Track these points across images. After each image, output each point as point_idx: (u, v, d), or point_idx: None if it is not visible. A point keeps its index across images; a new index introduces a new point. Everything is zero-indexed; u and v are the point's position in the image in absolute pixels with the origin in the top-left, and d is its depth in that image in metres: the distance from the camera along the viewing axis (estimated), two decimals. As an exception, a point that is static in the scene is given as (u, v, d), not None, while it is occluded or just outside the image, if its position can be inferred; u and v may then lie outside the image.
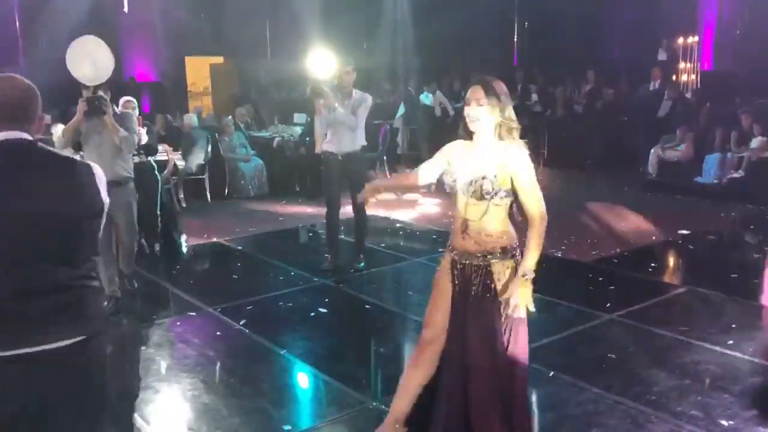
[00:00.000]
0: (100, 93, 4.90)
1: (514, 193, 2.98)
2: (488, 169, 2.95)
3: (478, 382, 3.01)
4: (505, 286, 2.98)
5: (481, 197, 2.95)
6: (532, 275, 2.93)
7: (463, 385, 3.04)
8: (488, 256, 2.99)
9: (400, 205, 8.73)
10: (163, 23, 15.06)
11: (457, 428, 3.06)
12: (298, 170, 10.11)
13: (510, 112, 2.99)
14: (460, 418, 3.06)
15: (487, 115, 2.95)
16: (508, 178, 2.94)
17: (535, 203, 2.96)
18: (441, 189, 3.27)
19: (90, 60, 4.86)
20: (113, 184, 4.92)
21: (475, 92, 2.97)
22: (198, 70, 16.12)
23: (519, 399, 3.10)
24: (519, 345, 3.05)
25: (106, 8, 13.70)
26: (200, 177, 9.66)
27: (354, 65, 5.99)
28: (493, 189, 2.93)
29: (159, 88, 15.18)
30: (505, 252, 3.00)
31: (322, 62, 6.04)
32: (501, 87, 3.00)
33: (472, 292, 3.00)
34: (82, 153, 5.13)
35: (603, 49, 14.03)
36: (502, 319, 2.98)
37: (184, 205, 9.21)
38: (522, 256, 3.00)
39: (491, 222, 2.98)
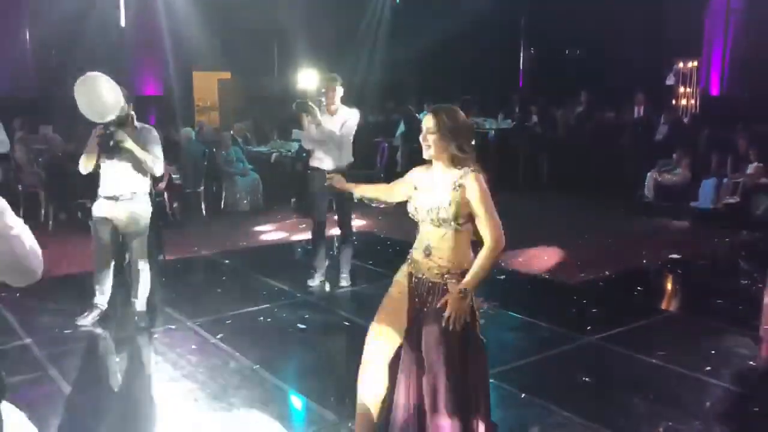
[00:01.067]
0: (111, 128, 4.82)
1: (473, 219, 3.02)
2: (443, 197, 3.01)
3: (433, 398, 3.00)
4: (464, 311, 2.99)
5: (440, 224, 3.01)
6: (468, 294, 2.94)
7: (417, 400, 3.05)
8: (446, 276, 3.01)
9: (390, 222, 8.72)
10: (171, 38, 15.20)
11: None
12: (294, 185, 10.13)
13: (463, 142, 3.01)
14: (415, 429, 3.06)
15: (436, 144, 3.02)
16: (463, 206, 2.98)
17: (487, 231, 2.97)
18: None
19: (97, 100, 4.71)
20: (128, 199, 4.98)
21: (427, 121, 3.05)
22: (206, 85, 16.25)
23: (481, 412, 3.09)
24: (479, 362, 3.05)
25: (113, 23, 13.88)
26: (196, 190, 9.70)
27: (341, 81, 6.00)
28: (449, 216, 2.98)
29: (165, 101, 15.30)
30: (464, 275, 3.01)
31: (310, 78, 6.08)
32: (454, 117, 3.04)
33: (426, 308, 3.01)
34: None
35: (608, 72, 14.04)
36: (458, 336, 2.97)
37: (178, 217, 9.25)
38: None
39: (452, 248, 3.02)
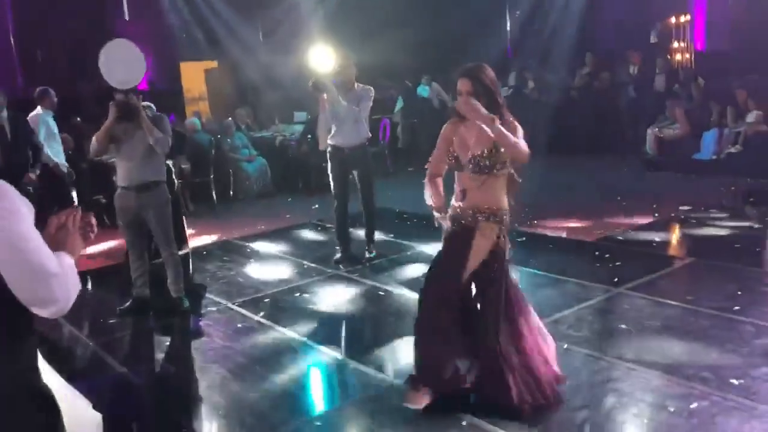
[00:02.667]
0: (133, 96, 4.97)
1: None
2: (484, 145, 3.32)
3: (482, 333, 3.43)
4: (488, 244, 3.40)
5: (480, 171, 3.35)
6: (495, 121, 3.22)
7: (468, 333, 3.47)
8: (477, 215, 3.39)
9: (404, 196, 8.85)
10: (157, 30, 15.15)
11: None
12: (301, 168, 10.24)
13: (496, 95, 3.33)
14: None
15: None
16: (501, 153, 3.30)
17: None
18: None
19: (123, 63, 4.94)
20: (143, 188, 5.08)
21: (464, 84, 3.31)
22: (193, 76, 16.21)
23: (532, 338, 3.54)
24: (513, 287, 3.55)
25: (104, 17, 13.81)
26: (206, 179, 9.78)
27: (355, 60, 6.11)
28: (489, 164, 3.32)
29: (156, 94, 15.26)
30: (494, 214, 3.40)
31: (322, 58, 6.16)
32: (486, 75, 3.33)
33: (469, 250, 3.39)
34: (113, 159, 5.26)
35: (595, 34, 14.12)
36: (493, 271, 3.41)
37: (191, 208, 9.33)
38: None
39: (487, 192, 3.39)
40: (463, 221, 3.43)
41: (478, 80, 3.29)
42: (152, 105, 5.51)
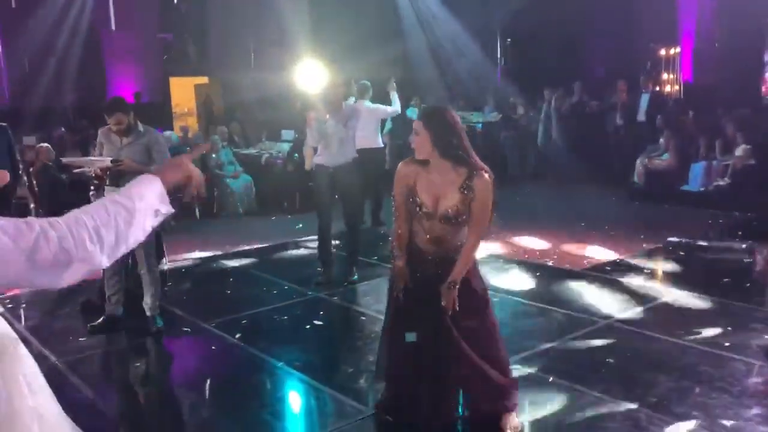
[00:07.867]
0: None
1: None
2: (450, 199, 3.21)
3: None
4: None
5: (444, 222, 3.25)
6: (456, 285, 3.27)
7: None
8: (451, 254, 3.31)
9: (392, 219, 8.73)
10: (147, 44, 15.04)
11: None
12: (286, 187, 10.09)
13: (450, 140, 3.16)
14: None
15: (424, 145, 3.19)
16: (468, 206, 3.21)
17: (477, 227, 3.30)
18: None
19: None
20: None
21: (415, 124, 3.23)
22: (182, 91, 16.10)
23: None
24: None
25: (91, 29, 13.67)
26: (188, 195, 9.60)
27: (344, 80, 6.01)
28: (454, 216, 3.22)
29: (141, 107, 15.12)
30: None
31: (311, 75, 6.05)
32: (441, 118, 3.20)
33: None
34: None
35: (585, 63, 14.17)
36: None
37: (173, 223, 9.14)
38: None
39: (453, 239, 3.31)
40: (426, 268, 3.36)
41: (430, 124, 3.19)
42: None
